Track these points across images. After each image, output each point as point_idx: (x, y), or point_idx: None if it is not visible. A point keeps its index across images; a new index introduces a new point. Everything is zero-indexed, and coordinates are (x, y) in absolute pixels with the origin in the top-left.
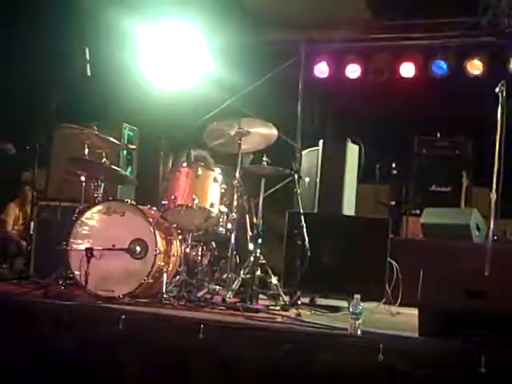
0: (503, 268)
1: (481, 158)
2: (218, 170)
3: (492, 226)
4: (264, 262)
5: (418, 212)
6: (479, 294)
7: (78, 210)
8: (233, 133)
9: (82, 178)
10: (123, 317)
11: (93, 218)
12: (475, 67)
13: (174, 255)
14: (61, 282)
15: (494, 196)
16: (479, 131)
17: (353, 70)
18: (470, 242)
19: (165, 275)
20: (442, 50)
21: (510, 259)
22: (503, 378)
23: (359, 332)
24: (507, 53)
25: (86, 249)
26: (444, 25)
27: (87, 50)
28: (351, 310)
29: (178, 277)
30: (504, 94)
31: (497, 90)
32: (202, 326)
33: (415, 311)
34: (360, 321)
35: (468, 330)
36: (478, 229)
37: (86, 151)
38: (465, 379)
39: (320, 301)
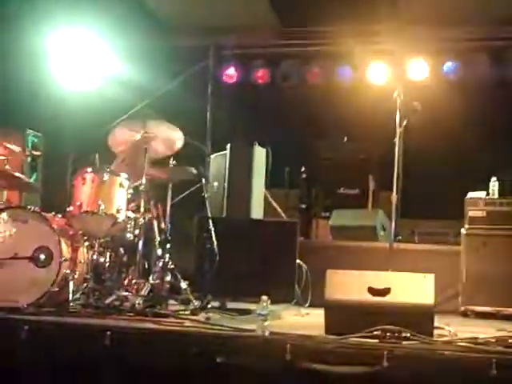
0: (405, 266)
1: (387, 161)
2: (124, 175)
3: (393, 226)
4: (173, 266)
5: (327, 215)
6: (382, 291)
7: None
8: (138, 137)
9: None
10: (26, 327)
11: None
12: (377, 73)
13: (80, 262)
14: None
15: (394, 198)
16: (385, 136)
17: (261, 76)
18: (374, 242)
19: (71, 283)
20: (346, 56)
21: (411, 257)
22: (404, 371)
23: (267, 333)
24: (407, 58)
25: None
26: (347, 31)
27: None
28: (258, 311)
29: (85, 284)
30: (402, 97)
31: (394, 95)
32: (108, 332)
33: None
34: (267, 322)
35: (371, 326)
36: (384, 229)
37: None
38: (369, 374)
39: (231, 304)
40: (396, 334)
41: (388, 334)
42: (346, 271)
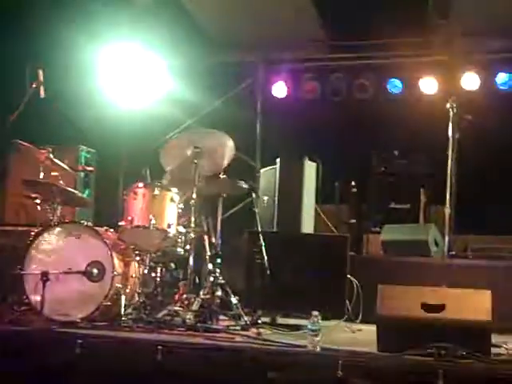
0: (460, 282)
1: (439, 175)
2: (174, 190)
3: (447, 240)
4: (224, 281)
5: (378, 229)
6: (436, 307)
7: (33, 234)
8: (189, 153)
9: (38, 201)
10: (80, 341)
11: (48, 241)
12: (429, 85)
13: (132, 277)
14: (16, 308)
15: (448, 211)
16: (436, 148)
17: (310, 90)
18: (427, 257)
19: (123, 297)
20: (396, 68)
21: (466, 273)
22: None
23: (318, 349)
24: (459, 70)
25: (42, 273)
26: (398, 44)
27: (41, 72)
28: (309, 326)
29: (136, 299)
30: (455, 110)
31: (447, 105)
32: (159, 347)
33: (375, 328)
34: (319, 337)
35: (426, 343)
36: (436, 244)
37: (42, 174)
38: None
39: (281, 320)
40: (451, 352)
41: (443, 351)
42: (398, 286)
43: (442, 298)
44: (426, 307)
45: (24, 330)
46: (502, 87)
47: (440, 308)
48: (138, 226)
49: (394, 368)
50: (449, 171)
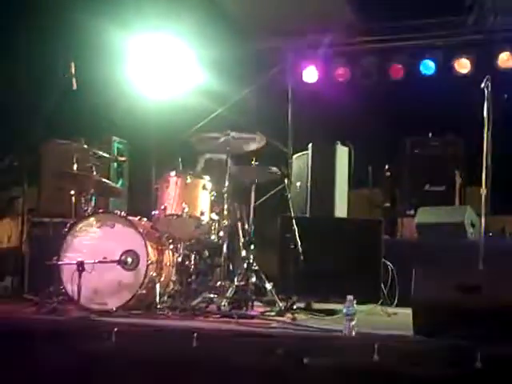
0: (497, 263)
1: (473, 156)
2: (207, 178)
3: (483, 221)
4: (257, 268)
5: (412, 212)
6: (473, 289)
7: (68, 225)
8: (222, 140)
9: (72, 193)
10: (116, 329)
11: (83, 231)
12: (463, 66)
13: (166, 265)
14: (53, 298)
15: (484, 191)
16: (470, 129)
17: (341, 74)
18: (464, 239)
19: (157, 285)
20: (429, 49)
21: (503, 254)
22: (499, 373)
23: (353, 333)
24: (494, 50)
25: (77, 263)
26: (430, 25)
27: (73, 64)
28: (345, 311)
29: (171, 287)
30: (489, 89)
31: (482, 85)
32: (195, 334)
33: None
34: (354, 322)
35: (463, 325)
36: (473, 226)
37: (75, 165)
38: (461, 375)
39: (316, 305)
40: (489, 334)
41: (480, 333)
42: (433, 269)
43: (479, 280)
44: (463, 289)
45: (61, 320)
46: None
47: (477, 289)
48: (171, 215)
49: (430, 351)
50: (485, 151)
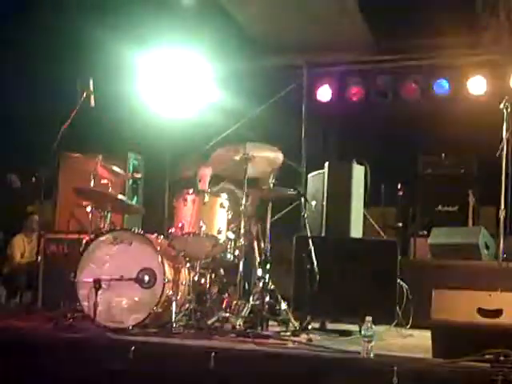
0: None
1: (486, 176)
2: (224, 196)
3: (502, 243)
4: (273, 287)
5: (425, 233)
6: (493, 312)
7: (84, 241)
8: (238, 158)
9: (89, 209)
10: (133, 348)
11: (100, 248)
12: (478, 85)
13: (182, 283)
14: (69, 315)
15: (502, 213)
16: (484, 149)
17: (355, 93)
18: (479, 260)
19: (174, 304)
20: (443, 69)
21: None
22: None
23: (372, 355)
24: (509, 70)
25: (94, 280)
26: (445, 44)
27: (91, 81)
28: (363, 332)
29: (187, 305)
30: (509, 109)
31: (501, 106)
32: (212, 354)
33: (426, 333)
34: (373, 343)
35: (483, 349)
36: (487, 247)
37: (92, 182)
38: None
39: (330, 325)
40: (510, 358)
41: (501, 357)
42: (453, 291)
43: (499, 303)
44: (483, 312)
45: (78, 337)
46: None
47: (497, 313)
48: (188, 233)
49: (450, 374)
50: (503, 170)
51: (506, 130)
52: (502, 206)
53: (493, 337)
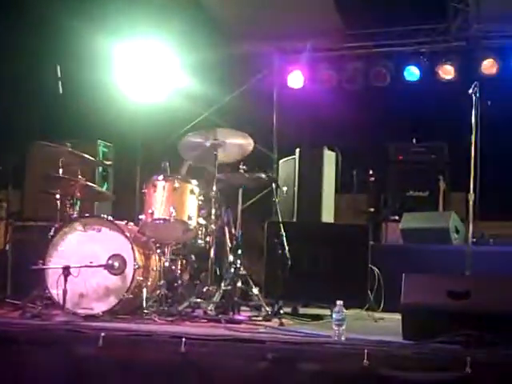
0: (483, 268)
1: (457, 161)
2: (194, 182)
3: (471, 227)
4: (244, 272)
5: (396, 218)
6: (462, 294)
7: (53, 229)
8: (208, 144)
9: (58, 196)
10: (103, 334)
11: (69, 235)
12: (447, 72)
13: (153, 269)
14: (38, 302)
15: (471, 197)
16: (455, 135)
17: (326, 79)
18: (449, 244)
19: (144, 290)
20: (413, 56)
21: (489, 260)
22: (489, 378)
23: (343, 338)
24: (478, 56)
25: (63, 267)
26: (415, 31)
27: (59, 68)
28: (334, 316)
29: (158, 291)
30: (478, 95)
31: (470, 91)
32: (183, 339)
33: (398, 316)
34: (344, 327)
35: (452, 331)
36: (457, 231)
37: (61, 169)
38: (451, 380)
39: (302, 310)
40: (479, 339)
41: (470, 339)
42: (423, 274)
43: (468, 285)
44: (452, 295)
45: (46, 324)
46: None
47: (466, 295)
48: (158, 219)
49: (420, 356)
50: (472, 156)
51: (475, 116)
52: (471, 191)
53: (462, 319)
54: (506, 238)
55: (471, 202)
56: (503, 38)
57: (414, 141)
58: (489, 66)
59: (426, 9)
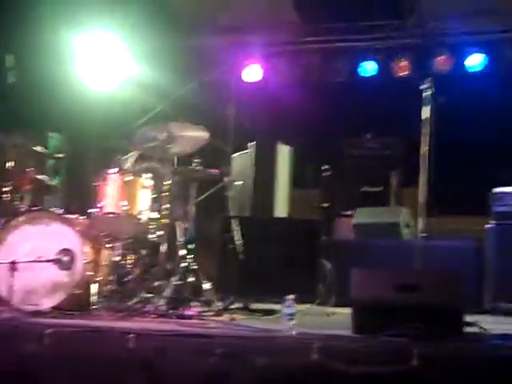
0: (431, 263)
1: (410, 157)
2: (146, 176)
3: (420, 222)
4: (196, 267)
5: (349, 213)
6: (409, 288)
7: (1, 223)
8: (162, 137)
9: (6, 189)
10: (49, 330)
11: (17, 229)
12: (402, 68)
13: (103, 264)
14: None
15: (421, 193)
16: (409, 130)
17: (283, 74)
18: (399, 239)
19: (93, 285)
20: (369, 51)
21: (437, 255)
22: (436, 371)
23: (293, 333)
24: (432, 53)
25: (10, 262)
26: (371, 27)
27: (9, 57)
28: (285, 310)
29: (107, 286)
30: (430, 91)
31: (422, 87)
32: (131, 335)
33: (349, 311)
34: (294, 321)
35: (400, 324)
36: (408, 227)
37: (10, 162)
38: (399, 372)
39: (255, 305)
40: (425, 332)
41: (417, 332)
42: (371, 269)
43: (415, 280)
44: (399, 288)
45: None
46: (473, 69)
47: (413, 289)
48: (109, 213)
49: (368, 349)
50: (422, 152)
51: (428, 111)
52: (421, 187)
53: (409, 312)
54: (458, 233)
55: (420, 197)
56: (457, 35)
57: (369, 136)
58: (442, 63)
59: (382, 5)
